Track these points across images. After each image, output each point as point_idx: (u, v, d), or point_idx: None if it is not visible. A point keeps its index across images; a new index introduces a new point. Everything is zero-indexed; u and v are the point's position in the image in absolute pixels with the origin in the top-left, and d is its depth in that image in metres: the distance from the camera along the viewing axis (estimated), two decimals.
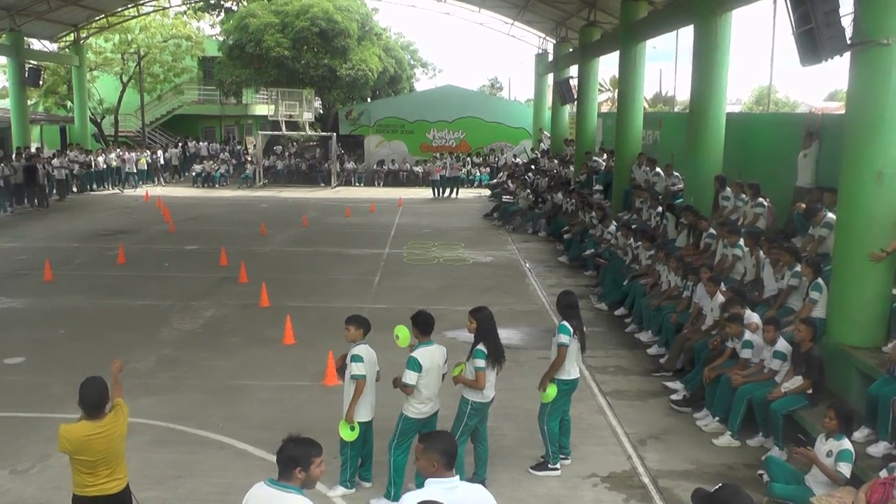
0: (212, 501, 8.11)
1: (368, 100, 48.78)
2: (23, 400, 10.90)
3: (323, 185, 40.58)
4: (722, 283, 11.86)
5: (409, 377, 7.76)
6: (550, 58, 38.70)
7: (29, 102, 38.64)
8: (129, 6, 40.28)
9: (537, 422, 8.89)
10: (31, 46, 37.96)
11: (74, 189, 35.25)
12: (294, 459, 4.83)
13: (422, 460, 4.89)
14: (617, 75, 28.66)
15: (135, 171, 38.68)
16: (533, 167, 33.65)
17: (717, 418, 9.99)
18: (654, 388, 11.56)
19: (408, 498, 4.80)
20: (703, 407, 10.36)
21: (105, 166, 37.75)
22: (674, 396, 10.99)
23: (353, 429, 7.98)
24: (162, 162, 42.11)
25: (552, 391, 8.67)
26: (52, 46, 39.76)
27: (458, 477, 4.88)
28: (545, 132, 39.55)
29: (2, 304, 16.16)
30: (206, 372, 12.15)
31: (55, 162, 33.34)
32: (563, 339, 8.59)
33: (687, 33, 18.94)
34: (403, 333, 8.02)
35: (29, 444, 9.25)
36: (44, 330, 14.35)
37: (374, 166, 41.84)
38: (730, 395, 9.73)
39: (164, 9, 44.19)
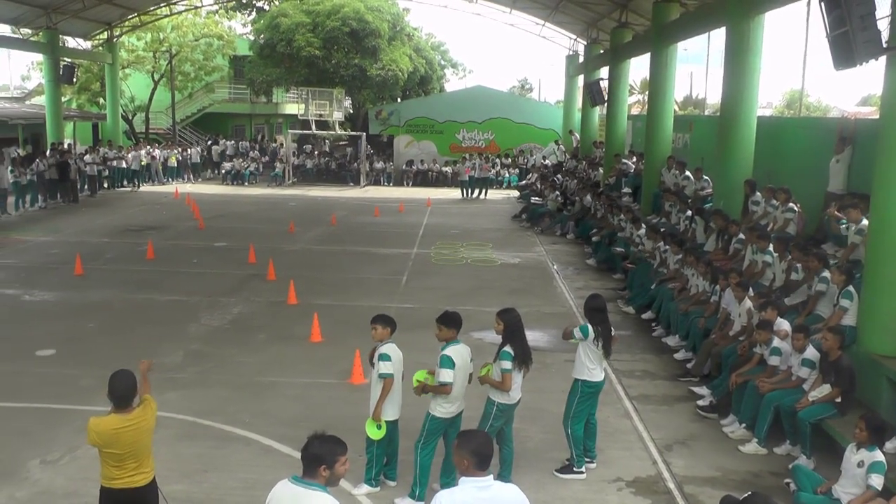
0: (237, 496, 8.17)
1: (398, 100, 48.77)
2: (53, 392, 11.07)
3: (352, 184, 40.65)
4: (750, 289, 11.74)
5: (446, 375, 7.78)
6: (581, 59, 38.61)
7: (63, 99, 39.03)
8: (162, 5, 40.66)
9: (562, 425, 8.87)
10: (66, 44, 38.48)
11: (105, 185, 35.55)
12: (319, 458, 4.86)
13: (455, 457, 4.93)
14: (647, 77, 28.52)
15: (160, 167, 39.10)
16: (563, 169, 33.57)
17: (743, 425, 9.92)
18: (681, 393, 11.51)
19: (441, 496, 4.83)
20: (730, 413, 10.30)
21: (135, 163, 38.05)
22: (700, 402, 10.93)
23: (379, 427, 8.02)
24: (192, 160, 42.37)
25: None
26: (86, 44, 40.25)
27: (491, 476, 4.87)
28: (575, 133, 39.49)
29: (34, 297, 16.38)
30: (234, 368, 12.24)
31: (87, 158, 33.65)
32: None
33: (719, 35, 18.84)
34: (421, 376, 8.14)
35: (59, 436, 9.36)
36: (74, 323, 14.55)
37: (404, 166, 41.86)
38: (757, 402, 9.66)
39: (197, 8, 44.58)
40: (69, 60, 36.42)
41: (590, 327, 8.71)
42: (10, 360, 12.38)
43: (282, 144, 48.86)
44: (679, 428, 10.24)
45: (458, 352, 7.91)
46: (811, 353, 9.50)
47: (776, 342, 9.94)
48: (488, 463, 4.89)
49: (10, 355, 12.63)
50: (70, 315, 15.11)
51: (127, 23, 40.90)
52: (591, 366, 8.73)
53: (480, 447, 4.89)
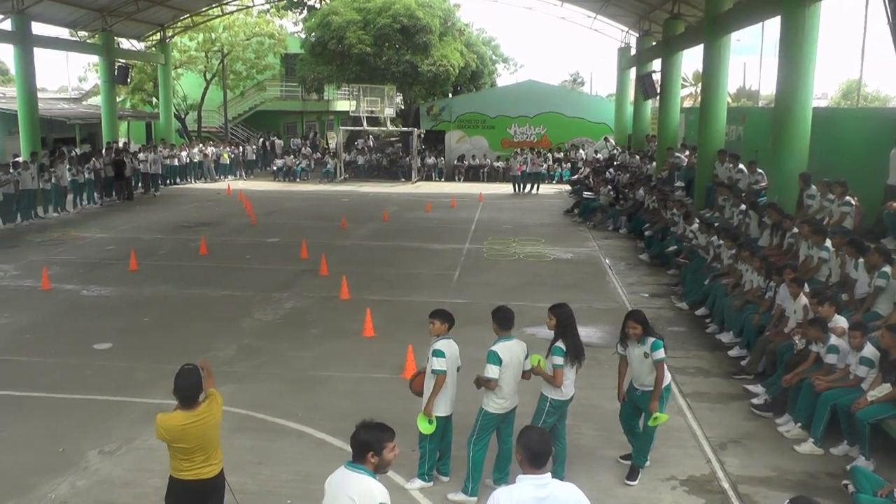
0: (291, 488, 8.23)
1: (450, 95, 48.80)
2: (110, 384, 11.29)
3: (403, 180, 40.78)
4: (806, 285, 11.49)
5: (491, 371, 7.77)
6: (633, 52, 38.24)
7: (117, 99, 39.74)
8: (214, 6, 41.21)
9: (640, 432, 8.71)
10: (120, 45, 39.13)
11: (158, 182, 36.02)
12: (367, 444, 4.97)
13: (515, 452, 4.97)
14: (700, 69, 28.16)
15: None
16: (615, 163, 33.35)
17: (799, 424, 9.68)
18: (735, 390, 11.31)
19: (499, 494, 4.81)
20: (785, 412, 10.08)
21: (188, 160, 38.61)
22: (755, 400, 10.73)
23: (430, 422, 8.01)
24: (245, 157, 42.80)
25: (663, 415, 8.39)
26: (140, 46, 40.87)
27: (549, 475, 4.85)
28: (610, 140, 39.53)
29: (91, 292, 16.70)
30: (286, 362, 12.34)
31: (141, 156, 34.16)
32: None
33: (773, 25, 18.54)
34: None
35: (116, 427, 9.51)
36: (129, 317, 14.82)
37: (455, 161, 41.87)
38: (813, 401, 9.45)
39: (248, 8, 44.92)
40: (123, 61, 37.07)
41: (663, 341, 8.44)
42: (70, 354, 12.67)
43: (330, 141, 49.22)
44: (733, 426, 10.07)
45: (508, 348, 7.89)
46: (870, 351, 9.26)
47: (833, 340, 9.71)
48: (543, 461, 4.86)
49: (69, 349, 12.92)
50: (126, 310, 15.39)
51: (179, 24, 41.55)
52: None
53: (533, 444, 4.87)
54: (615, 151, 37.36)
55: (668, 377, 8.40)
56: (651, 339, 8.25)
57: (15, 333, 13.83)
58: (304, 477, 8.45)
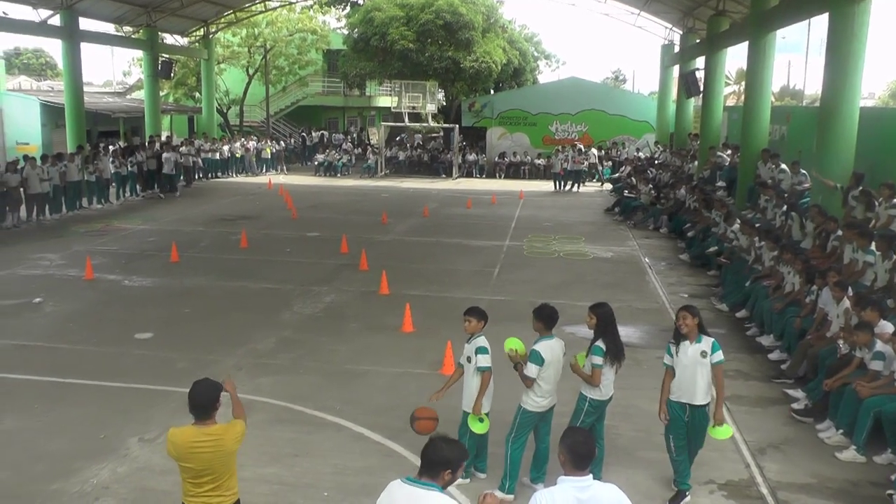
0: (328, 481, 8.25)
1: (492, 92, 48.63)
2: (151, 373, 11.44)
3: (444, 176, 40.79)
4: (849, 289, 11.24)
5: (531, 370, 7.72)
6: (676, 49, 37.99)
7: (160, 93, 40.25)
8: (257, 2, 41.49)
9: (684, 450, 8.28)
10: (164, 41, 39.63)
11: (200, 176, 36.39)
12: (447, 461, 4.68)
13: (559, 453, 4.87)
14: (744, 67, 27.85)
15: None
16: (656, 162, 33.10)
17: (840, 431, 9.45)
18: (775, 395, 11.14)
19: (540, 495, 4.76)
20: (826, 418, 9.87)
21: (230, 154, 38.91)
22: (795, 405, 10.52)
23: (481, 421, 7.99)
24: (286, 151, 43.06)
25: (728, 428, 8.09)
26: (183, 41, 41.36)
27: (590, 476, 4.78)
28: (648, 137, 39.09)
29: (133, 283, 16.92)
30: (325, 355, 12.39)
31: (182, 150, 34.52)
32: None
33: (820, 22, 18.25)
34: (517, 345, 8.00)
35: (156, 415, 9.59)
36: (170, 308, 15.00)
37: (496, 158, 41.74)
38: (855, 408, 9.23)
39: (291, 3, 45.15)
40: (167, 56, 37.48)
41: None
42: (112, 343, 12.86)
43: (372, 137, 49.28)
44: (773, 431, 9.90)
45: (550, 347, 7.84)
46: None
47: (879, 346, 9.49)
48: (586, 463, 4.79)
49: (111, 338, 13.11)
50: (167, 300, 15.57)
51: (223, 19, 41.93)
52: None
53: (576, 445, 4.81)
54: (657, 150, 37.08)
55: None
56: (709, 339, 7.88)
57: (59, 321, 14.06)
58: (340, 470, 8.47)
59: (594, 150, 39.73)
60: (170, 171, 30.06)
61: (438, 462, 4.66)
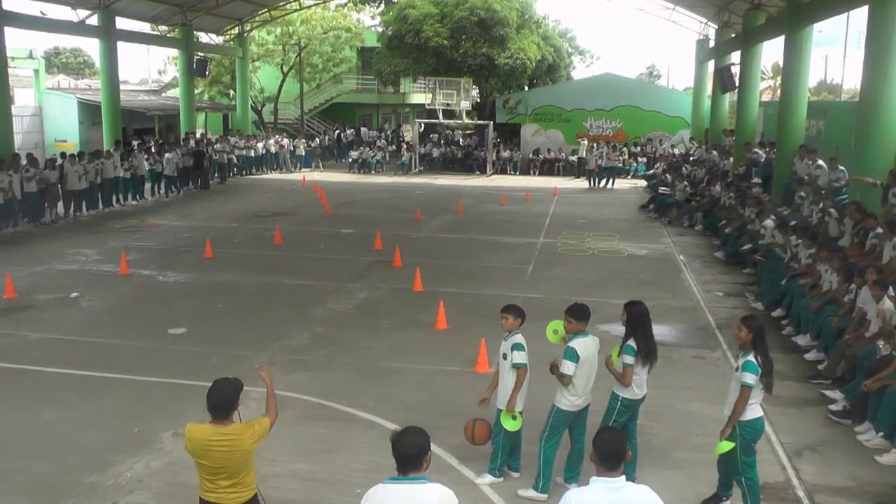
0: (360, 478, 8.21)
1: (526, 88, 48.46)
2: (185, 368, 11.50)
3: (478, 172, 40.71)
4: (890, 288, 11.00)
5: (568, 367, 7.64)
6: (712, 44, 37.66)
7: (195, 91, 40.55)
8: (292, 0, 41.60)
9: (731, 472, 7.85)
10: (199, 39, 39.94)
11: (234, 173, 36.64)
12: (424, 448, 4.75)
13: (592, 453, 4.80)
14: (780, 62, 27.51)
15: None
16: (691, 158, 32.84)
17: (881, 434, 9.22)
18: (812, 395, 10.93)
19: (571, 495, 4.70)
20: (865, 420, 9.64)
21: (264, 151, 39.10)
22: (832, 406, 10.31)
23: (514, 418, 7.95)
24: (320, 148, 43.22)
25: (727, 444, 7.39)
26: (218, 39, 41.75)
27: (623, 477, 4.72)
28: (684, 134, 38.83)
29: (167, 278, 17.06)
30: (358, 352, 12.38)
31: (217, 147, 34.72)
32: (749, 378, 7.22)
33: (859, 15, 17.95)
34: (559, 327, 7.88)
35: (190, 410, 9.58)
36: (204, 304, 15.11)
37: (530, 155, 41.59)
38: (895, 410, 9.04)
39: (325, 2, 45.37)
40: (202, 55, 37.79)
41: (755, 362, 7.29)
42: (146, 337, 12.95)
43: (406, 134, 49.31)
44: (809, 433, 9.71)
45: (584, 344, 7.76)
46: None
47: None
48: (618, 463, 4.72)
49: (145, 332, 13.20)
50: (200, 296, 15.68)
51: (257, 18, 42.19)
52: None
53: (609, 445, 4.75)
54: (692, 146, 36.77)
55: (757, 411, 7.41)
56: (750, 358, 7.25)
57: (95, 316, 14.21)
58: (373, 467, 8.42)
59: (586, 143, 39.82)
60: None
61: (418, 453, 4.71)
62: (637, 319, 7.89)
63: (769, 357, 7.35)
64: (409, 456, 4.70)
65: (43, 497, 7.81)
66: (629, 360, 7.78)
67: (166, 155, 29.13)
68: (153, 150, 30.33)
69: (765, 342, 7.34)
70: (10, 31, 25.19)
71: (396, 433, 4.83)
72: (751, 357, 7.24)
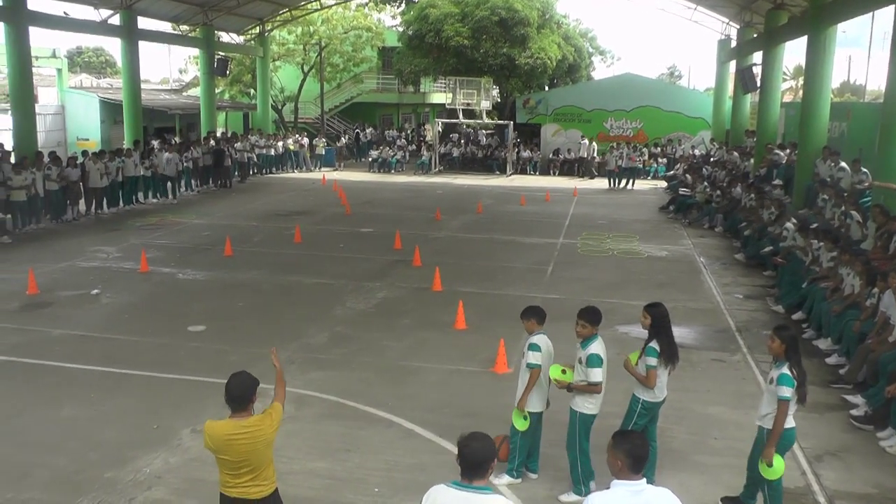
0: (378, 477, 8.25)
1: (546, 88, 48.36)
2: (204, 365, 11.54)
3: (498, 172, 40.66)
4: None
5: (597, 374, 7.62)
6: (733, 44, 37.43)
7: (216, 90, 40.77)
8: (313, 0, 41.58)
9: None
10: (220, 39, 40.04)
11: (254, 171, 36.77)
12: (491, 456, 4.66)
13: (609, 457, 4.76)
14: (802, 62, 27.33)
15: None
16: (712, 159, 32.68)
17: None
18: (833, 400, 10.78)
19: (593, 498, 4.68)
20: (888, 426, 9.51)
21: (284, 150, 39.24)
22: (854, 412, 10.18)
23: (525, 418, 7.95)
24: (341, 147, 43.34)
25: (779, 466, 7.20)
26: (239, 39, 41.84)
27: (644, 480, 4.71)
28: (704, 135, 38.78)
29: (187, 276, 17.13)
30: (378, 351, 12.39)
31: (238, 146, 34.89)
32: (786, 392, 7.09)
33: (884, 15, 17.79)
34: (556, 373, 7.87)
35: (208, 407, 9.62)
36: (224, 301, 15.17)
37: (550, 155, 41.50)
38: None
39: (346, 1, 45.44)
40: (223, 54, 38.01)
41: (790, 374, 7.20)
42: (166, 335, 13.02)
43: (427, 134, 49.34)
44: (830, 438, 9.59)
45: (602, 346, 7.76)
46: None
47: None
48: (643, 465, 4.71)
49: (165, 330, 13.27)
50: (220, 294, 15.74)
51: (278, 18, 42.32)
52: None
53: (636, 448, 4.71)
54: (713, 147, 36.58)
55: (789, 422, 7.25)
56: (785, 370, 7.16)
57: (115, 313, 14.30)
58: (391, 466, 8.47)
59: (586, 143, 40.07)
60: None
61: (484, 460, 4.62)
62: (661, 321, 7.86)
63: (802, 367, 7.27)
64: (477, 463, 4.62)
65: (64, 491, 7.86)
66: (652, 362, 7.74)
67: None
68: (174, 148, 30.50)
69: (798, 353, 7.26)
70: (34, 31, 25.44)
71: (464, 437, 4.72)
72: (785, 369, 7.15)
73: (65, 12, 29.28)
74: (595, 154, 39.76)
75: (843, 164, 19.85)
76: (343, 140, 44.68)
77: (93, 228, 22.77)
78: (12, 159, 23.62)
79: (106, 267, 17.80)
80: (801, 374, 7.18)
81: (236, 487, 5.64)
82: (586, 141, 39.93)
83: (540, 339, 7.92)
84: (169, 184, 28.97)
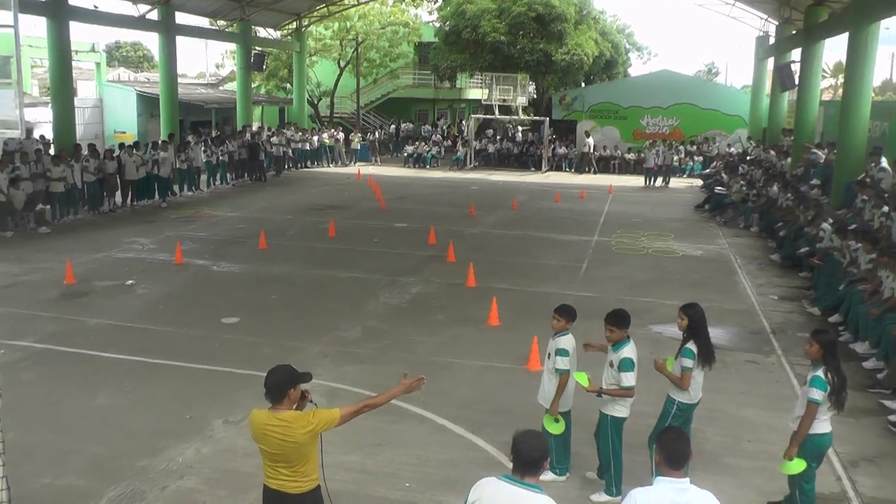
0: (410, 471, 8.26)
1: (582, 84, 48.15)
2: (237, 357, 11.61)
3: (533, 169, 40.51)
4: None
5: (630, 378, 7.56)
6: (772, 41, 36.99)
7: (252, 85, 40.97)
8: None
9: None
10: (257, 34, 40.40)
11: (289, 165, 36.93)
12: (545, 455, 4.65)
13: (655, 452, 4.79)
14: (842, 60, 26.96)
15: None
16: (748, 158, 32.37)
17: None
18: (870, 405, 10.60)
19: (636, 493, 4.68)
20: None
21: (319, 144, 39.37)
22: (892, 417, 10.01)
23: (557, 421, 7.92)
24: (377, 142, 43.43)
25: (799, 464, 7.12)
26: (276, 34, 42.06)
27: (688, 480, 4.69)
28: (741, 133, 38.53)
29: (222, 268, 17.25)
30: (410, 346, 12.40)
31: (273, 140, 35.04)
32: (816, 395, 6.97)
33: None
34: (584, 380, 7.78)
35: (241, 399, 9.69)
36: (257, 294, 15.25)
37: (584, 149, 41.29)
38: None
39: None
40: (259, 49, 38.18)
41: (824, 377, 7.02)
42: (200, 326, 13.12)
43: (464, 129, 49.29)
44: (867, 443, 9.42)
45: (634, 350, 7.69)
46: None
47: None
48: (683, 463, 4.70)
49: (199, 321, 13.38)
50: (254, 286, 15.82)
51: (315, 13, 42.43)
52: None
53: (676, 446, 4.73)
54: (750, 145, 36.22)
55: (825, 426, 7.17)
56: (819, 373, 7.02)
57: (150, 304, 14.42)
58: (423, 461, 8.47)
59: (592, 142, 39.79)
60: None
61: (538, 458, 4.59)
62: (698, 322, 7.78)
63: (842, 372, 7.10)
64: (532, 460, 4.58)
65: (98, 478, 7.94)
66: (688, 363, 7.66)
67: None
68: (210, 142, 30.74)
69: (836, 358, 7.12)
70: (74, 26, 25.72)
71: (521, 433, 4.68)
72: (819, 372, 7.02)
73: (95, 6, 29.43)
74: (593, 150, 39.59)
75: (884, 164, 19.53)
76: (377, 135, 44.70)
77: (129, 220, 23.00)
78: (52, 151, 23.92)
79: (141, 258, 17.96)
80: (841, 379, 7.05)
81: (275, 479, 5.60)
82: (591, 139, 39.69)
83: (567, 342, 7.84)
84: (204, 177, 29.26)
